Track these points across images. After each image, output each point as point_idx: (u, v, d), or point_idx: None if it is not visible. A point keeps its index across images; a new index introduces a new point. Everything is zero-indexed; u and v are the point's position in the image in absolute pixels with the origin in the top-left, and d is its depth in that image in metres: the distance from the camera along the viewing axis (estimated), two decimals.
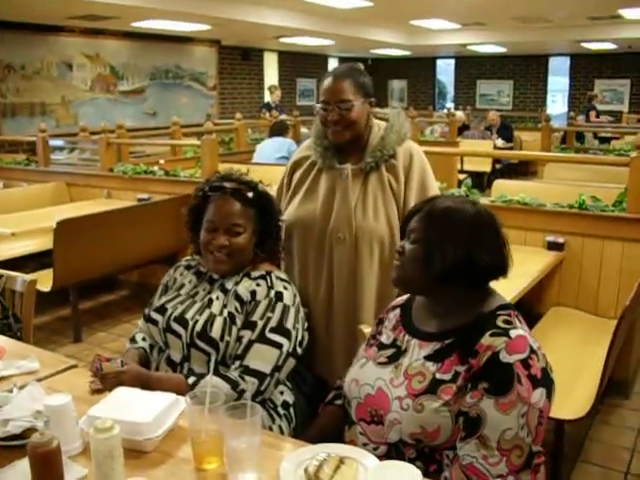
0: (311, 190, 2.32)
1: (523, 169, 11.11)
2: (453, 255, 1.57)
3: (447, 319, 1.62)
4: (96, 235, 4.46)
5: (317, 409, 2.01)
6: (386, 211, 2.23)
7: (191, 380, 1.89)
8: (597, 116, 13.00)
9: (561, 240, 3.74)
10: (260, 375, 1.91)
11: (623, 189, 3.78)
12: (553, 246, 3.74)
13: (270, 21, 10.26)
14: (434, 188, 2.30)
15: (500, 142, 10.70)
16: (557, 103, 17.41)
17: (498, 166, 10.17)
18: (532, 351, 1.50)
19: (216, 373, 1.90)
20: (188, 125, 8.84)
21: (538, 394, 1.46)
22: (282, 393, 2.05)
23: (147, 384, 1.81)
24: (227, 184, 2.08)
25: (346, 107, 2.17)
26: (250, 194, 2.08)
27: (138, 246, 4.89)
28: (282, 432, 1.99)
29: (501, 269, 1.63)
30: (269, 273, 2.07)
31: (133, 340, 2.15)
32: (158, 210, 5.06)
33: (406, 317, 1.75)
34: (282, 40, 12.74)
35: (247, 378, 1.90)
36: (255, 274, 2.06)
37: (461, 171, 8.64)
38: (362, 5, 9.53)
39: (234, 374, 1.90)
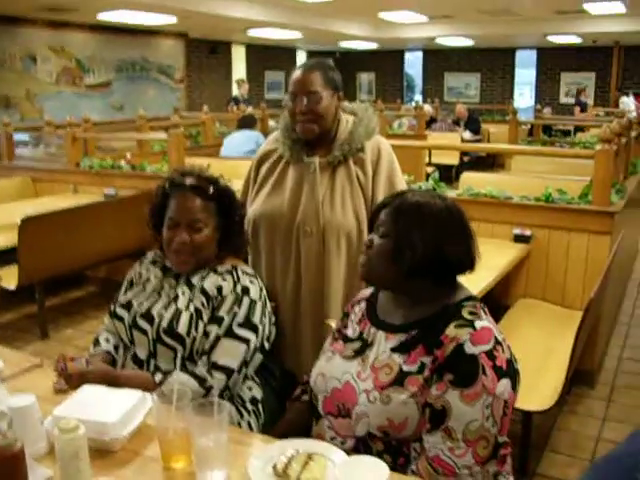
0: (278, 183, 2.31)
1: (490, 162, 11.19)
2: (423, 249, 1.57)
3: (413, 311, 1.62)
4: (62, 231, 4.39)
5: (286, 404, 2.01)
6: (354, 205, 2.23)
7: (158, 378, 1.87)
8: (582, 111, 13.15)
9: (528, 233, 3.77)
10: (228, 371, 1.90)
11: (589, 182, 3.82)
12: (520, 239, 3.77)
13: (237, 13, 10.22)
14: (402, 183, 2.31)
15: (468, 135, 10.79)
16: (524, 96, 17.59)
17: (466, 159, 10.23)
18: (497, 342, 1.50)
19: (183, 369, 1.89)
20: (155, 118, 8.75)
21: (503, 385, 1.46)
22: (250, 389, 2.04)
23: (114, 383, 1.78)
24: (187, 180, 2.05)
25: (314, 99, 2.16)
26: (210, 189, 2.05)
27: (105, 241, 4.83)
28: (251, 428, 1.98)
29: (469, 263, 1.64)
30: (235, 268, 2.05)
31: (97, 343, 2.11)
32: (125, 205, 4.99)
33: (372, 310, 1.74)
34: (250, 33, 12.69)
35: (215, 374, 1.88)
36: (221, 269, 2.04)
37: (429, 164, 8.70)
38: None
39: (201, 370, 1.89)
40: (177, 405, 1.45)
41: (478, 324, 1.52)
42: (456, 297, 1.62)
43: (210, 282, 2.00)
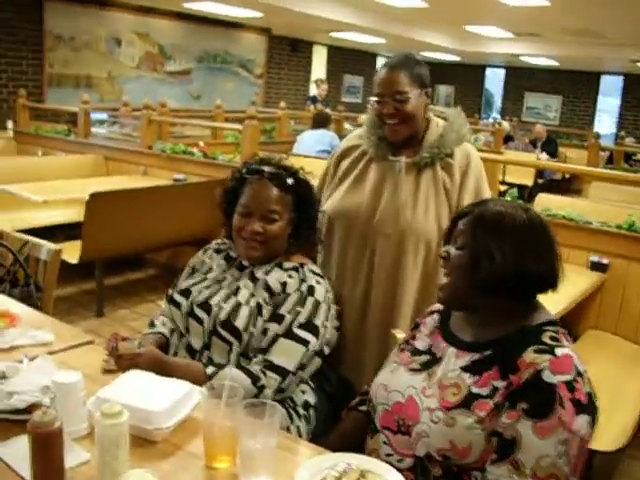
0: (359, 180, 2.19)
1: (566, 186, 10.86)
2: (502, 261, 1.45)
3: (488, 329, 1.51)
4: (128, 211, 4.40)
5: (339, 412, 1.91)
6: (437, 211, 2.10)
7: (210, 370, 1.79)
8: None
9: (605, 261, 3.58)
10: (283, 372, 1.81)
11: None
12: (597, 266, 3.58)
13: (322, 13, 10.18)
14: (488, 196, 2.17)
15: (544, 156, 10.47)
16: (603, 123, 17.07)
17: (540, 180, 9.94)
18: (578, 373, 1.38)
19: (237, 365, 1.81)
20: (231, 111, 8.77)
21: (581, 421, 1.33)
22: (304, 392, 1.94)
23: (163, 369, 1.71)
24: (266, 168, 1.99)
25: (402, 99, 2.04)
26: (289, 180, 1.98)
27: (169, 226, 4.82)
28: (300, 434, 1.88)
29: (552, 281, 1.51)
30: (302, 265, 1.96)
31: (152, 325, 2.06)
32: (193, 191, 4.98)
33: (444, 323, 1.63)
34: (332, 34, 12.65)
35: (269, 374, 1.79)
36: (287, 265, 1.96)
37: (502, 182, 8.47)
38: (417, 5, 9.39)
39: (256, 368, 1.80)
40: (227, 402, 1.36)
41: (559, 351, 1.40)
42: (536, 319, 1.49)
43: (274, 277, 1.92)
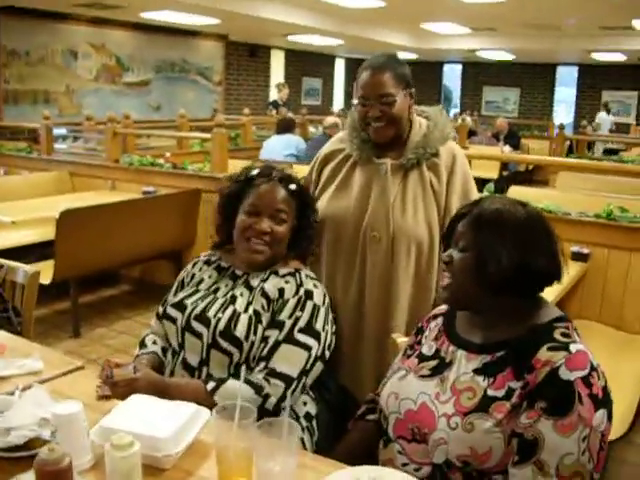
0: (344, 185, 2.15)
1: (529, 177, 10.97)
2: (508, 260, 1.42)
3: (496, 330, 1.48)
4: (100, 227, 4.30)
5: (339, 421, 1.87)
6: (426, 212, 2.07)
7: (210, 386, 1.73)
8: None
9: (586, 251, 3.59)
10: (287, 378, 1.76)
11: None
12: (578, 257, 3.59)
13: (278, 17, 10.14)
14: (475, 193, 2.15)
15: (507, 149, 10.55)
16: (559, 113, 17.31)
17: (505, 173, 10.02)
18: (593, 368, 1.36)
19: (237, 376, 1.75)
20: (194, 120, 8.68)
21: (600, 415, 1.32)
22: (305, 403, 1.89)
23: (163, 392, 1.65)
24: (274, 172, 1.98)
25: (387, 101, 2.00)
26: (293, 186, 1.97)
27: (142, 240, 4.73)
28: (304, 446, 1.83)
29: (556, 273, 1.49)
30: (298, 270, 1.92)
31: (143, 344, 1.99)
32: (164, 204, 4.91)
33: (450, 326, 1.60)
34: (290, 38, 12.63)
35: (273, 381, 1.74)
36: (283, 271, 1.92)
37: None
38: (373, 5, 9.40)
39: (258, 377, 1.75)
40: (240, 423, 1.30)
41: (573, 347, 1.38)
42: (545, 316, 1.47)
43: (271, 284, 1.87)
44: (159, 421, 1.41)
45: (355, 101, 2.08)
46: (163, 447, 1.35)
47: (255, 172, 1.98)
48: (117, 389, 1.66)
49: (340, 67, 18.33)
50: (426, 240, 2.06)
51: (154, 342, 1.98)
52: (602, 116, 14.13)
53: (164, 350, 1.96)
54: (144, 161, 5.43)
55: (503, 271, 1.43)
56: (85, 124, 6.96)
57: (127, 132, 6.01)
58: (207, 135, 5.24)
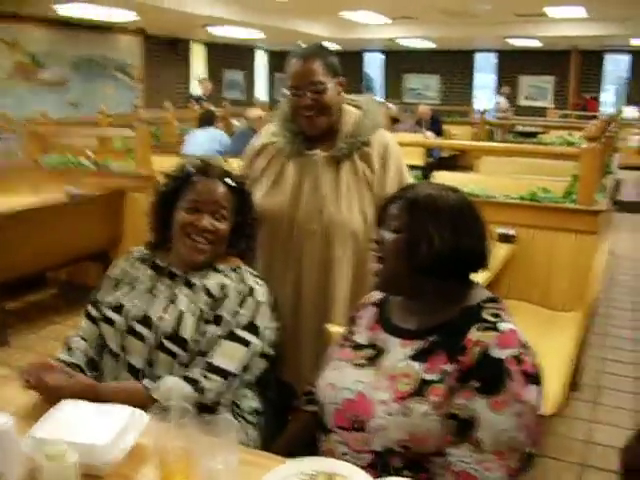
0: (277, 179, 2.13)
1: (453, 163, 11.16)
2: (440, 242, 1.45)
3: (429, 315, 1.50)
4: (22, 230, 4.16)
5: (281, 416, 1.87)
6: (360, 202, 2.06)
7: (147, 383, 1.69)
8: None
9: (512, 232, 3.68)
10: (224, 373, 1.72)
11: (570, 181, 3.75)
12: (504, 238, 3.67)
13: (196, 10, 10.01)
14: (410, 180, 2.16)
15: (430, 135, 10.69)
16: (480, 99, 17.68)
17: (430, 160, 10.16)
18: (523, 346, 1.39)
19: (176, 374, 1.72)
20: (115, 116, 8.47)
21: (532, 391, 1.35)
22: (249, 398, 1.88)
23: (97, 396, 1.59)
24: (213, 169, 1.93)
25: (318, 89, 1.99)
26: (232, 183, 1.93)
27: (67, 242, 4.60)
28: (252, 441, 1.82)
29: (485, 258, 1.53)
30: (239, 267, 1.90)
31: (68, 349, 1.90)
32: (88, 204, 4.78)
33: (382, 315, 1.61)
34: (210, 31, 12.49)
35: (210, 376, 1.71)
36: (222, 267, 1.88)
37: None
38: None
39: (195, 372, 1.71)
40: (177, 423, 1.27)
41: (503, 326, 1.40)
42: (475, 298, 1.50)
43: (214, 281, 1.84)
44: (94, 427, 1.37)
45: (286, 91, 2.06)
46: (101, 454, 1.32)
47: (192, 168, 1.94)
48: (45, 393, 1.60)
49: (261, 59, 18.25)
50: (361, 231, 2.06)
51: (80, 349, 1.89)
52: (500, 98, 14.77)
53: (90, 360, 1.88)
54: (65, 160, 5.27)
55: (435, 253, 1.45)
56: (0, 124, 6.70)
57: (46, 132, 5.81)
58: (129, 132, 5.12)
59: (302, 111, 2.02)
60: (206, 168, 1.93)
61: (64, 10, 9.23)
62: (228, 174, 1.95)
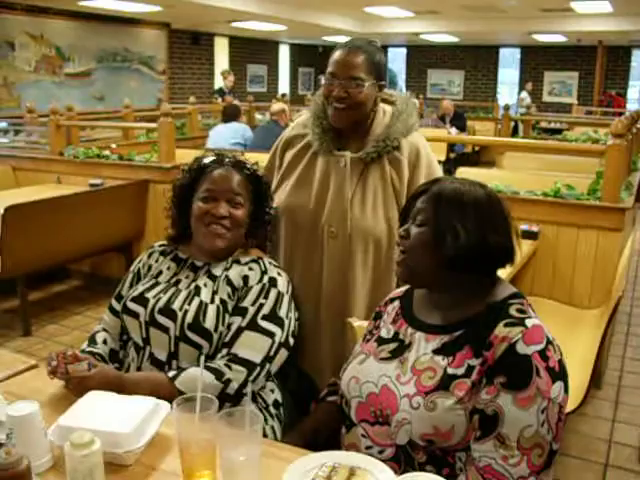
0: (305, 175, 2.09)
1: (475, 158, 11.12)
2: (465, 237, 1.44)
3: (453, 310, 1.49)
4: (47, 222, 4.20)
5: (302, 408, 1.86)
6: (385, 208, 2.02)
7: (171, 374, 1.70)
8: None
9: (536, 229, 3.65)
10: (249, 364, 1.73)
11: (594, 178, 3.71)
12: (527, 235, 3.63)
13: (221, 4, 10.02)
14: None
15: (454, 131, 10.66)
16: (503, 94, 17.58)
17: (452, 155, 10.13)
18: (549, 342, 1.38)
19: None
20: (138, 110, 8.53)
21: (557, 388, 1.34)
22: (272, 391, 1.89)
23: (121, 388, 1.60)
24: (226, 158, 1.94)
25: (355, 85, 1.94)
26: (247, 171, 1.93)
27: (91, 234, 4.64)
28: (275, 433, 1.83)
29: (511, 254, 1.51)
30: (260, 258, 1.90)
31: (93, 340, 1.91)
32: (112, 196, 4.82)
33: (407, 309, 1.60)
34: (233, 25, 12.51)
35: (234, 367, 1.71)
36: (245, 259, 1.89)
37: None
38: None
39: (219, 363, 1.72)
40: (201, 415, 1.28)
41: (529, 322, 1.40)
42: (500, 294, 1.49)
43: (235, 272, 1.85)
44: (118, 417, 1.38)
45: (323, 79, 2.01)
46: (124, 443, 1.33)
47: (207, 160, 1.95)
48: (70, 385, 1.61)
49: (285, 53, 18.25)
50: (385, 237, 2.03)
51: (104, 341, 1.91)
52: (524, 95, 14.67)
53: (113, 352, 1.90)
54: (90, 153, 5.31)
55: (460, 247, 1.44)
56: (27, 117, 6.75)
57: (71, 124, 5.86)
58: (153, 125, 5.15)
59: (333, 100, 1.97)
60: (220, 158, 1.94)
61: (89, 3, 9.29)
62: (243, 163, 1.95)
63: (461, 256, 1.45)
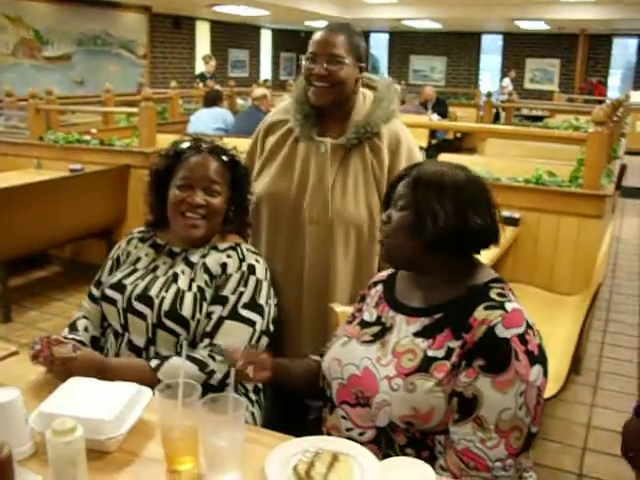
0: (287, 161, 2.09)
1: (457, 145, 11.14)
2: (445, 218, 1.44)
3: (434, 293, 1.50)
4: (26, 207, 4.16)
5: (282, 394, 1.86)
6: (367, 194, 2.03)
7: (154, 363, 1.69)
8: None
9: (517, 215, 3.67)
10: None
11: (576, 165, 3.74)
12: (509, 221, 3.64)
13: None
14: None
15: (435, 117, 10.65)
16: (485, 81, 17.61)
17: (434, 141, 10.13)
18: (528, 326, 1.40)
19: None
20: (119, 94, 8.45)
21: (536, 371, 1.36)
22: None
23: (104, 372, 1.60)
24: (204, 144, 1.91)
25: (335, 61, 1.94)
26: (226, 157, 1.91)
27: (71, 219, 4.60)
28: (255, 419, 1.84)
29: (493, 235, 1.53)
30: (238, 245, 1.89)
31: (73, 327, 1.90)
32: (92, 181, 4.78)
33: (389, 293, 1.61)
34: (215, 9, 12.38)
35: (217, 358, 1.72)
36: (223, 246, 1.88)
37: None
38: None
39: (202, 353, 1.72)
40: (184, 401, 1.28)
41: (509, 306, 1.41)
42: (481, 278, 1.51)
43: (213, 259, 1.84)
44: (100, 403, 1.38)
45: (304, 58, 2.01)
46: (106, 430, 1.32)
47: (184, 145, 1.92)
48: (54, 367, 1.60)
49: (267, 38, 18.15)
50: (366, 223, 2.03)
51: (85, 328, 1.90)
52: (506, 82, 14.75)
53: (94, 339, 1.90)
54: (70, 138, 5.25)
55: (440, 229, 1.45)
56: (5, 101, 6.66)
57: (51, 108, 5.79)
58: (134, 109, 5.10)
59: (314, 79, 1.97)
60: (197, 144, 1.91)
61: None
62: (221, 149, 1.93)
63: (442, 238, 1.45)
